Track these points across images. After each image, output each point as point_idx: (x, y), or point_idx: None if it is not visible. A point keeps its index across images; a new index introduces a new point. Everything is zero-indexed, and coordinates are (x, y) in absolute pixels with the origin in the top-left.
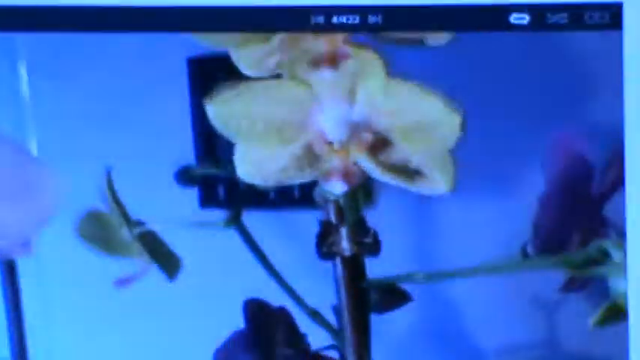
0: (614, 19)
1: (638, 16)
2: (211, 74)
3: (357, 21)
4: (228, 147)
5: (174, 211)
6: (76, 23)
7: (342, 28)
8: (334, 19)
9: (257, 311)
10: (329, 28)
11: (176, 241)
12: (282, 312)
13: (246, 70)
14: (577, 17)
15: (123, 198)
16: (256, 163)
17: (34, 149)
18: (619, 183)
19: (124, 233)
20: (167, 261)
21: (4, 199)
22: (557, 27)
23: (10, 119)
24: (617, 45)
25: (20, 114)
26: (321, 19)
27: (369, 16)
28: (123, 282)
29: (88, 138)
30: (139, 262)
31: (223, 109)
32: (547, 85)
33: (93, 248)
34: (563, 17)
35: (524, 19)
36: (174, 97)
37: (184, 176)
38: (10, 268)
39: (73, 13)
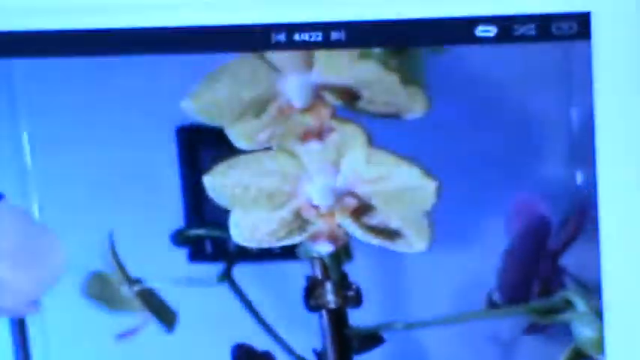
0: (582, 28)
1: (607, 25)
2: (199, 143)
3: (319, 38)
4: (216, 211)
5: (168, 269)
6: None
7: (304, 46)
8: (296, 37)
9: (244, 355)
10: (291, 46)
11: (171, 296)
12: (267, 356)
13: (239, 143)
14: (545, 28)
15: (123, 259)
16: (250, 227)
17: (36, 216)
18: (573, 238)
19: (125, 290)
20: (164, 314)
21: (14, 264)
22: (525, 39)
23: (13, 187)
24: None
25: (24, 183)
26: (282, 38)
27: (332, 33)
28: (125, 335)
29: (87, 206)
30: (139, 316)
31: (219, 180)
32: (508, 155)
33: (98, 305)
34: (530, 29)
35: (491, 31)
36: (165, 165)
37: (178, 238)
38: (20, 325)
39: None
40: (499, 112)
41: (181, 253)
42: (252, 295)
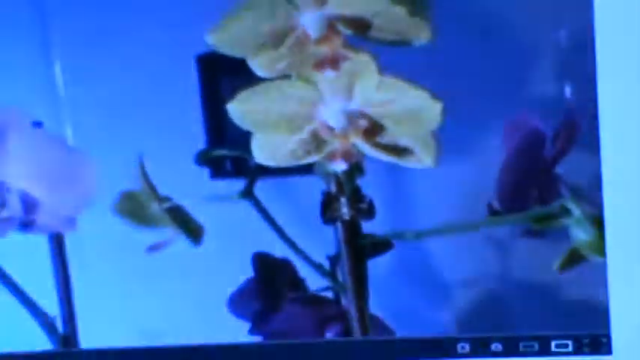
0: None
1: None
2: (221, 71)
3: None
4: (237, 134)
5: (193, 187)
6: None
7: None
8: None
9: (264, 261)
10: None
11: (197, 212)
12: (285, 262)
13: (260, 72)
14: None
15: (152, 179)
16: (271, 148)
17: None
18: (567, 147)
19: (154, 208)
20: (191, 229)
21: (52, 186)
22: None
23: (49, 115)
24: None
25: (58, 110)
26: None
27: None
28: (155, 248)
29: (117, 130)
30: (168, 231)
31: (242, 106)
32: (504, 76)
33: (128, 222)
34: None
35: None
36: (189, 92)
37: (202, 158)
38: (59, 241)
39: None
40: (496, 38)
41: (205, 173)
42: (272, 209)
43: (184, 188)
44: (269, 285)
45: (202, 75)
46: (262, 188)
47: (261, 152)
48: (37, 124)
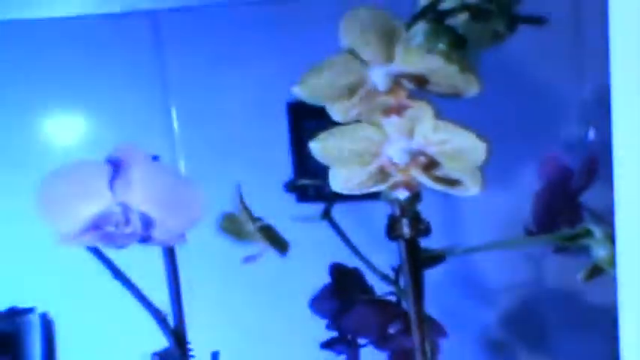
0: None
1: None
2: (304, 115)
3: None
4: (318, 167)
5: (280, 210)
6: None
7: None
8: None
9: (339, 270)
10: None
11: (284, 230)
12: (356, 271)
13: (337, 117)
14: None
15: (247, 203)
16: (345, 179)
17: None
18: (590, 180)
19: (250, 227)
20: (279, 243)
21: (167, 209)
22: None
23: (165, 151)
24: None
25: (172, 146)
26: None
27: None
28: (249, 259)
29: (221, 162)
30: (260, 245)
31: (322, 145)
32: (538, 121)
33: (228, 237)
34: None
35: None
36: (279, 132)
37: (290, 186)
38: (171, 253)
39: None
40: (532, 91)
41: (291, 198)
42: (346, 228)
43: (274, 211)
44: (343, 290)
45: (291, 119)
46: (339, 211)
47: (337, 182)
48: (155, 158)
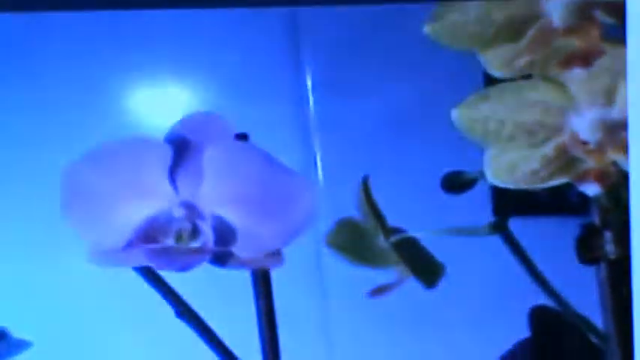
0: None
1: None
2: None
3: None
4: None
5: (429, 217)
6: None
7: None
8: None
9: (544, 318)
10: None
11: (436, 247)
12: (568, 317)
13: (494, 71)
14: None
15: (380, 205)
16: (507, 167)
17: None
18: None
19: (379, 241)
20: (427, 269)
21: (256, 212)
22: None
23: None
24: None
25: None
26: None
27: None
28: (378, 292)
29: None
30: (394, 271)
31: (470, 113)
32: None
33: (343, 257)
34: None
35: None
36: None
37: (450, 182)
38: (265, 279)
39: None
40: None
41: (449, 201)
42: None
43: (419, 218)
44: (554, 349)
45: None
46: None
47: (495, 171)
48: (242, 136)
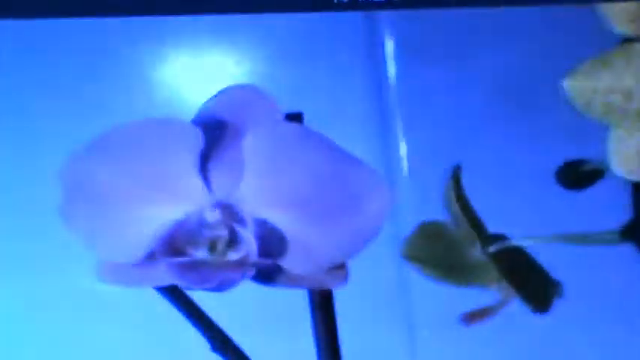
0: None
1: None
2: None
3: None
4: None
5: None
6: None
7: (367, 6)
8: None
9: None
10: (354, 6)
11: (550, 260)
12: None
13: (619, 27)
14: None
15: (475, 205)
16: (636, 152)
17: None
18: None
19: (474, 252)
20: (537, 287)
21: (315, 216)
22: None
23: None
24: None
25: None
26: None
27: None
28: (473, 318)
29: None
30: (493, 289)
31: (586, 84)
32: None
33: (424, 271)
34: None
35: None
36: None
37: (568, 175)
38: (326, 302)
39: None
40: None
41: (567, 199)
42: None
43: (526, 222)
44: None
45: None
46: None
47: (622, 158)
48: (295, 117)
